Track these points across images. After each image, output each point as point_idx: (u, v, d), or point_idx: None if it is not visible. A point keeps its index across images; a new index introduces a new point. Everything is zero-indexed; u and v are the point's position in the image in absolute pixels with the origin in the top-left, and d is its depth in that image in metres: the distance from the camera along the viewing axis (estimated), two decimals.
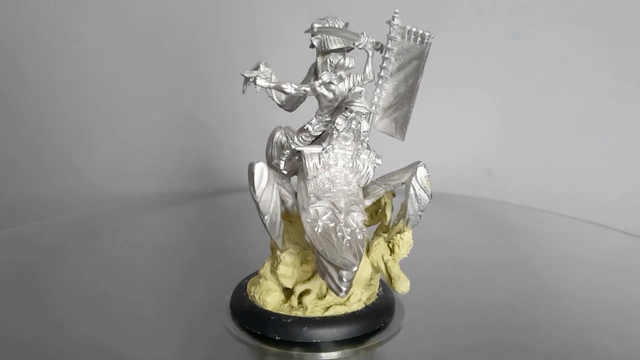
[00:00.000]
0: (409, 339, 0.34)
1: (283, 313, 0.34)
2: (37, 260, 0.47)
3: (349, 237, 0.31)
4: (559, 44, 0.68)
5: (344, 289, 0.29)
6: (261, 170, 0.31)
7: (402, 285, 0.33)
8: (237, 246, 0.50)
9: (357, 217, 0.32)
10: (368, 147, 0.34)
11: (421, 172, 0.32)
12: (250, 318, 0.34)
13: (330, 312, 0.34)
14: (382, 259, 0.34)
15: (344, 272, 0.29)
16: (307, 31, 0.32)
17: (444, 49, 0.71)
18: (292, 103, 0.36)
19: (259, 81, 0.32)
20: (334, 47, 0.32)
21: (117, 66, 0.74)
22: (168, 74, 0.74)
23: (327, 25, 0.32)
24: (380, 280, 0.37)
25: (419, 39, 0.32)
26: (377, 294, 0.36)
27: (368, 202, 0.35)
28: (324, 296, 0.34)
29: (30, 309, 0.39)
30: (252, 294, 0.36)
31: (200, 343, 0.34)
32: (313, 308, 0.34)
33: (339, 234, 0.31)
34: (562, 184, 0.71)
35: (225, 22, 0.72)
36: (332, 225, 0.31)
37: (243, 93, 0.34)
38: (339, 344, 0.33)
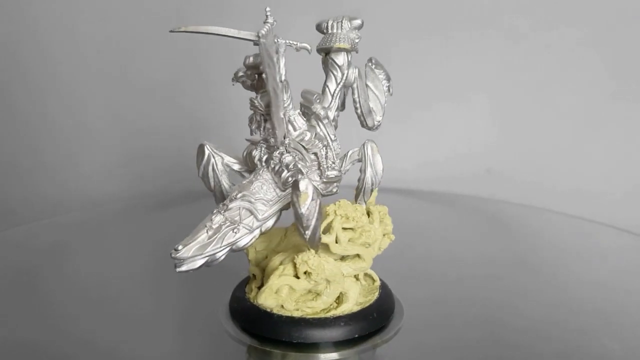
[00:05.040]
0: (409, 339, 0.34)
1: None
2: (37, 260, 0.47)
3: (217, 229, 0.31)
4: (558, 44, 0.68)
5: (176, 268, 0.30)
6: (201, 150, 0.35)
7: (259, 298, 0.32)
8: None
9: (245, 216, 0.32)
10: (297, 151, 0.32)
11: (297, 188, 0.30)
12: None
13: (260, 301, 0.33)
14: (270, 268, 0.33)
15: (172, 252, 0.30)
16: (172, 30, 0.31)
17: (446, 48, 0.71)
18: None
19: (234, 76, 0.35)
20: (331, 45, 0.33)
21: (118, 67, 0.74)
22: (168, 75, 0.74)
23: (329, 27, 0.33)
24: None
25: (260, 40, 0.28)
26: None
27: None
28: (261, 285, 0.34)
29: (30, 308, 0.39)
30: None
31: (199, 343, 0.34)
32: (253, 294, 0.34)
33: (209, 223, 0.31)
34: (562, 182, 0.70)
35: (227, 22, 0.71)
36: (215, 214, 0.32)
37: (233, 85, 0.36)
38: (338, 345, 0.33)
